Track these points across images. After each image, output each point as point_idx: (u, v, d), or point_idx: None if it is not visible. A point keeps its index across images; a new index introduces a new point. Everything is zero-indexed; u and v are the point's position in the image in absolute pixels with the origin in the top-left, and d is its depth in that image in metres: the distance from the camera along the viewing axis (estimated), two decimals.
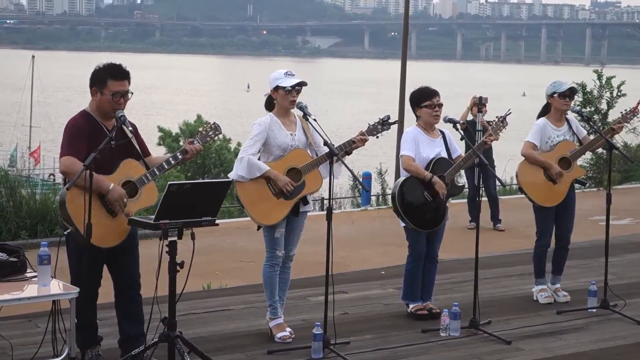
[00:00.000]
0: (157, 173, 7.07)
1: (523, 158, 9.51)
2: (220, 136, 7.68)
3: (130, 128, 7.10)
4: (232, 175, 7.86)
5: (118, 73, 7.00)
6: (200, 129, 7.38)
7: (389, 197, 17.27)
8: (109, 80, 6.95)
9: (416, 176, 8.67)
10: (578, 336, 8.51)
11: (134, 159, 7.09)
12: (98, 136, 6.85)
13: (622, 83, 22.41)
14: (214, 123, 7.40)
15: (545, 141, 9.44)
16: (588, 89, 22.45)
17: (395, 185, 8.82)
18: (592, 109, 22.38)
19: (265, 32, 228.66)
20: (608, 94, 22.60)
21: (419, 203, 8.70)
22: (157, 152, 19.94)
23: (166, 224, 6.65)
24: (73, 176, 6.62)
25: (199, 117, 30.87)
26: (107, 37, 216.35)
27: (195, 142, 7.20)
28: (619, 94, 22.40)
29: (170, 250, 6.73)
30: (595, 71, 22.93)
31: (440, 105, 8.80)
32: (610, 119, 21.09)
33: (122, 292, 7.27)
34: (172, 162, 7.14)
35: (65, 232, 6.86)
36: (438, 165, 8.72)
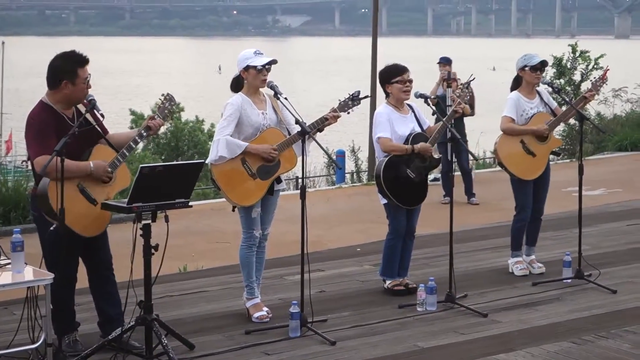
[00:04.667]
0: (127, 154, 7.10)
1: (501, 133, 9.53)
2: (180, 106, 7.72)
3: (101, 112, 7.12)
4: (211, 158, 7.82)
5: (84, 60, 7.05)
6: (157, 103, 7.37)
7: (363, 174, 17.30)
8: (79, 69, 6.97)
9: (398, 153, 8.69)
10: (554, 307, 8.57)
11: (97, 140, 7.09)
12: (63, 128, 6.85)
13: (601, 56, 22.48)
14: (168, 94, 7.42)
15: (520, 114, 9.47)
16: (563, 63, 22.53)
17: (378, 165, 8.82)
18: (566, 79, 22.46)
19: (235, 12, 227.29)
20: (583, 66, 22.67)
21: (402, 181, 8.71)
22: None
23: (139, 207, 6.65)
24: (53, 174, 6.60)
25: None
26: (77, 22, 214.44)
27: (156, 117, 7.21)
28: (595, 67, 22.48)
29: (145, 234, 6.73)
30: (571, 45, 23.02)
31: (410, 81, 8.82)
32: (582, 89, 21.15)
33: (97, 274, 7.29)
34: (139, 140, 7.17)
35: (51, 228, 6.77)
36: (416, 141, 8.74)
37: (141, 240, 6.74)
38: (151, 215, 6.76)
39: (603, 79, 9.87)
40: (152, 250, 6.77)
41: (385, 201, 8.85)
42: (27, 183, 13.71)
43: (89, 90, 7.08)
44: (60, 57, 7.03)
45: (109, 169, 6.97)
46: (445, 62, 15.55)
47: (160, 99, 7.38)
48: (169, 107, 7.37)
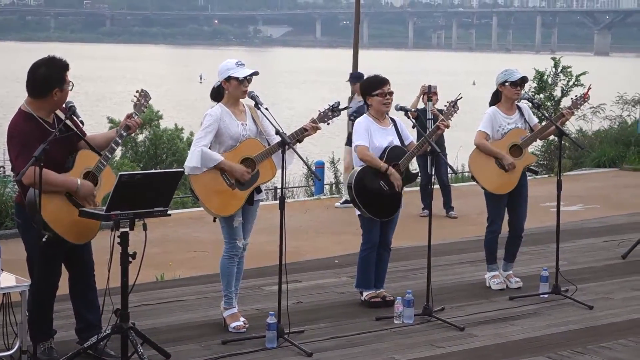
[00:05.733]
0: (110, 156, 7.09)
1: (475, 147, 9.56)
2: (159, 114, 7.70)
3: (81, 118, 7.10)
4: (186, 169, 7.82)
5: (67, 64, 7.01)
6: (133, 101, 7.33)
7: (342, 185, 17.29)
8: (65, 74, 6.94)
9: (372, 165, 8.69)
10: (530, 321, 8.59)
11: (78, 144, 7.07)
12: (46, 135, 6.79)
13: (583, 73, 22.60)
14: (142, 90, 7.40)
15: (496, 129, 9.50)
16: (545, 77, 22.64)
17: (351, 175, 8.82)
18: (547, 94, 22.56)
19: (216, 21, 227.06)
20: (564, 82, 22.78)
21: (375, 192, 8.71)
22: None
23: (118, 214, 6.63)
24: (32, 181, 6.55)
25: (149, 106, 30.62)
26: (57, 27, 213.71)
27: (133, 116, 7.19)
28: (576, 83, 22.60)
29: (122, 242, 6.71)
30: (553, 59, 23.13)
31: (390, 94, 8.82)
32: (562, 106, 21.26)
33: (80, 279, 7.28)
34: (119, 141, 7.14)
35: (43, 239, 6.71)
36: (392, 153, 8.75)
37: (119, 248, 6.72)
38: (129, 223, 6.75)
39: (585, 98, 9.89)
40: (130, 259, 6.75)
41: (359, 212, 8.86)
42: (4, 189, 13.62)
43: (68, 96, 7.06)
44: (44, 65, 6.93)
45: (95, 193, 6.95)
46: (354, 80, 15.14)
47: (135, 96, 7.34)
48: (144, 104, 7.36)
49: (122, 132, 7.14)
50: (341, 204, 15.51)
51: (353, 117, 13.76)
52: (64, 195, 6.86)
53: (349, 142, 15.38)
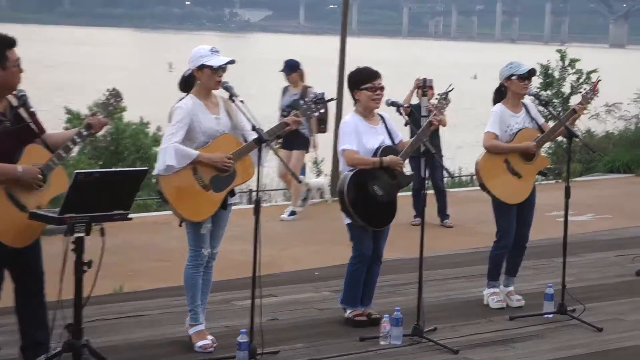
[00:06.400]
0: (64, 155, 7.05)
1: (483, 151, 9.53)
2: (122, 104, 7.66)
3: (33, 109, 7.07)
4: (158, 169, 7.77)
5: (11, 41, 6.98)
6: (102, 99, 7.31)
7: (325, 189, 17.27)
8: (7, 52, 6.92)
9: (364, 167, 8.66)
10: (533, 344, 8.60)
11: (32, 140, 7.03)
12: None
13: (594, 70, 22.65)
14: (114, 89, 7.37)
15: (504, 130, 9.48)
16: (550, 70, 22.66)
17: (342, 180, 8.77)
18: (554, 91, 22.58)
19: (188, 3, 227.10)
20: (574, 78, 22.80)
21: (369, 198, 8.69)
22: None
23: (72, 218, 6.60)
24: None
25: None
26: (9, 7, 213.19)
27: (98, 114, 7.16)
28: (586, 81, 22.63)
29: (77, 248, 6.68)
30: (559, 50, 23.15)
31: (381, 89, 8.81)
32: (572, 103, 21.28)
33: (27, 292, 7.21)
34: (78, 140, 7.10)
35: None
36: (385, 155, 8.71)
37: (72, 256, 6.69)
38: (85, 227, 6.71)
39: (594, 91, 9.93)
40: (85, 267, 6.72)
41: (348, 221, 8.83)
42: None
43: (20, 82, 7.02)
44: None
45: (40, 176, 6.90)
46: (288, 70, 15.23)
47: (104, 94, 7.33)
48: (113, 104, 7.32)
49: (83, 130, 7.11)
50: (288, 215, 15.17)
51: (285, 113, 13.34)
52: (4, 191, 6.79)
53: (286, 144, 15.00)
